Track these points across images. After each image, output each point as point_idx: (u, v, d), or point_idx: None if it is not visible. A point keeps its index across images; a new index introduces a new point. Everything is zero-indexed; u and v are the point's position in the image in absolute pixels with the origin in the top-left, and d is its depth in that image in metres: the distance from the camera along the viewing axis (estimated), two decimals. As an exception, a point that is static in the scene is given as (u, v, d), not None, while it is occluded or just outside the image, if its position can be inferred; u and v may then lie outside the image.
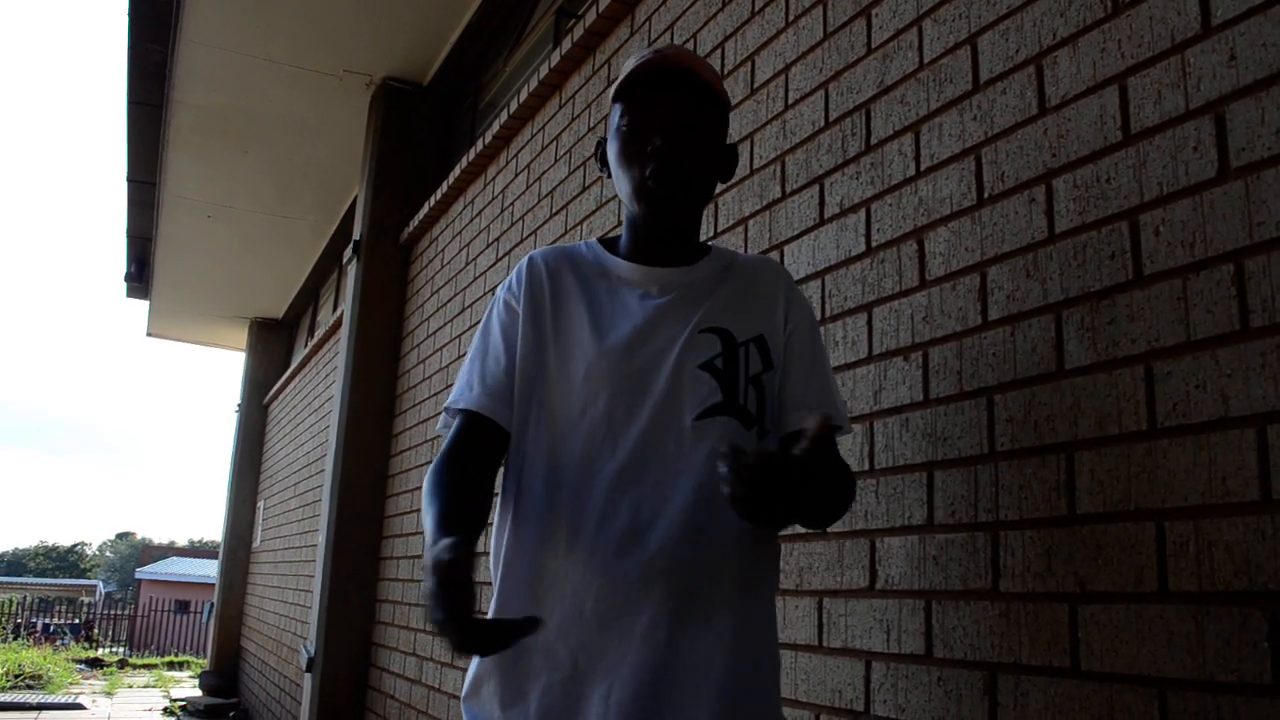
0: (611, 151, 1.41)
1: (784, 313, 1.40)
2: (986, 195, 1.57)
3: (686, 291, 1.38)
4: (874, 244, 1.80)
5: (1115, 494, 1.28)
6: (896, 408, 1.68)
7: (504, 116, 3.88)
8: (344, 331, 5.46)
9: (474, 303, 4.11)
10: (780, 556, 1.43)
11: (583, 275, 1.42)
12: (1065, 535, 1.34)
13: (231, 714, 8.87)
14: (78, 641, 21.04)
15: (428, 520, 1.23)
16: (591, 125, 3.19)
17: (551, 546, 1.30)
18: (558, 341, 1.37)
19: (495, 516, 1.40)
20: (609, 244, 1.47)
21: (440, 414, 1.44)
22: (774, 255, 2.08)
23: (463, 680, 1.35)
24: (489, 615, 1.35)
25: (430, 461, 4.31)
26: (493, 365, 1.38)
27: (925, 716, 1.52)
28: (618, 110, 1.40)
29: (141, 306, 10.15)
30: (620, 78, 1.38)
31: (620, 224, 2.84)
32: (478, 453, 1.35)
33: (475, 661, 1.32)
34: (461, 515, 1.25)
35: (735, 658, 1.25)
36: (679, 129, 1.34)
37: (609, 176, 1.44)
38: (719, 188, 2.31)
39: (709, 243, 1.50)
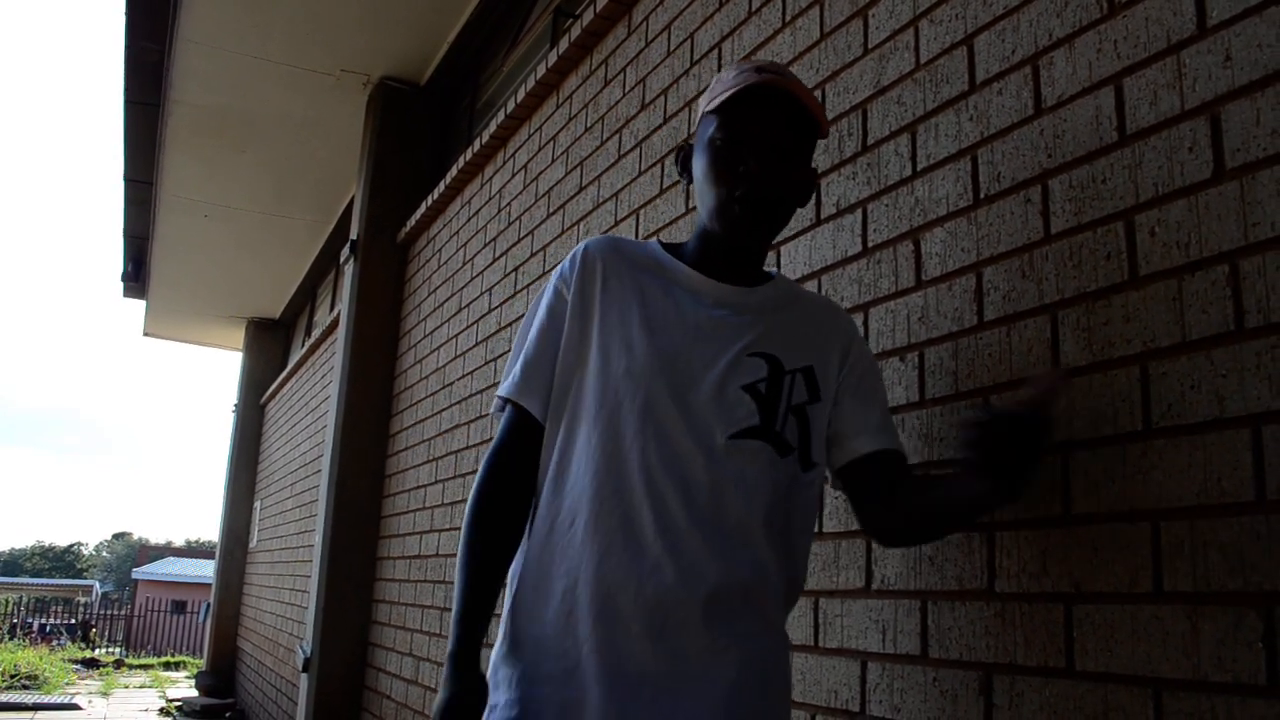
0: (700, 164, 1.38)
1: (841, 350, 1.41)
2: (983, 196, 1.57)
3: (744, 310, 1.38)
4: (870, 244, 1.80)
5: (1110, 494, 1.28)
6: (893, 408, 1.68)
7: (501, 116, 3.88)
8: (341, 331, 5.45)
9: (471, 302, 4.11)
10: (803, 581, 1.42)
11: (638, 268, 1.40)
12: (1061, 536, 1.34)
13: (228, 714, 8.87)
14: (74, 642, 21.00)
15: (463, 580, 1.29)
16: (588, 125, 3.19)
17: (562, 534, 1.29)
18: (603, 329, 1.35)
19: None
20: (671, 249, 1.45)
21: (485, 403, 1.45)
22: (771, 255, 2.08)
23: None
24: (507, 602, 1.35)
25: (430, 461, 4.31)
26: (533, 353, 1.39)
27: (921, 717, 1.52)
28: (713, 123, 1.35)
29: (138, 306, 10.15)
30: (724, 91, 1.34)
31: (617, 221, 2.83)
32: (527, 462, 1.36)
33: (498, 648, 1.33)
34: (490, 599, 1.30)
35: (744, 672, 1.25)
36: (773, 153, 1.33)
37: (689, 183, 1.43)
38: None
39: (773, 271, 1.49)
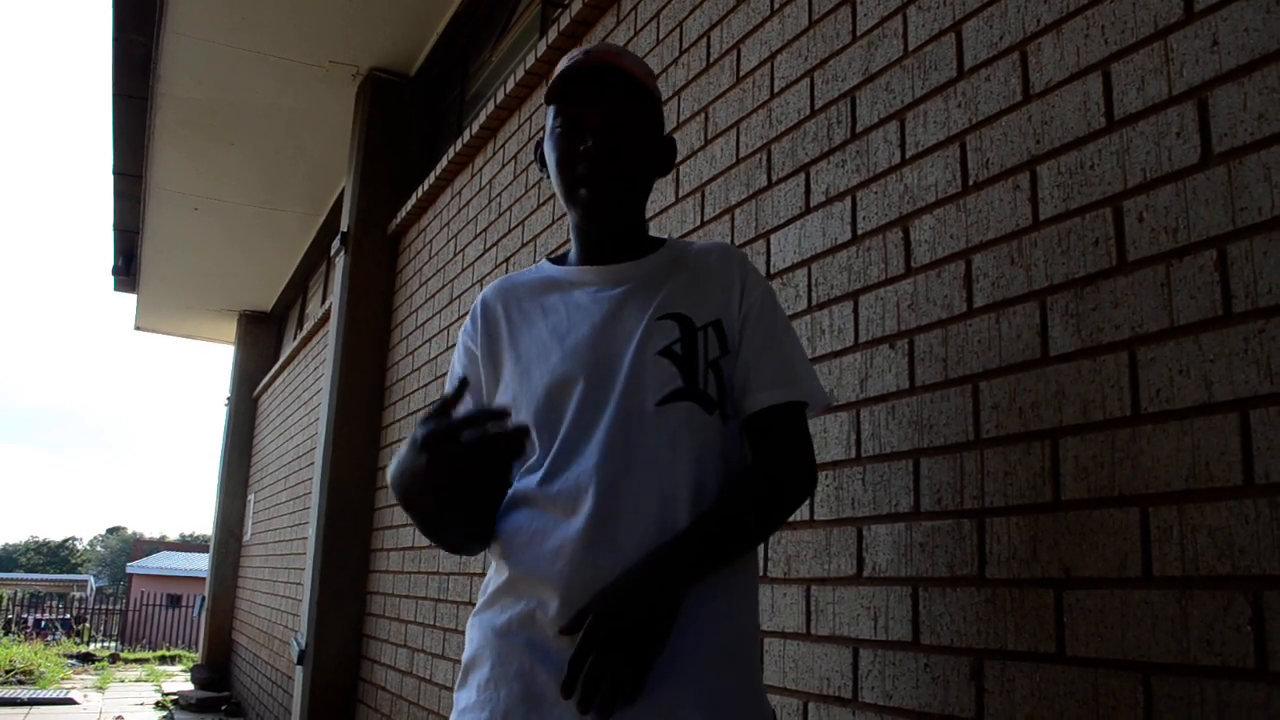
0: (547, 155, 1.41)
1: (739, 295, 1.39)
2: (971, 183, 1.57)
3: (642, 282, 1.38)
4: (860, 232, 1.80)
5: (1099, 480, 1.28)
6: (883, 395, 1.69)
7: (491, 107, 3.87)
8: (332, 324, 5.44)
9: (462, 294, 4.10)
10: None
11: (533, 293, 1.43)
12: (1050, 521, 1.34)
13: (223, 707, 8.87)
14: (69, 636, 20.98)
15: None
16: (578, 115, 3.18)
17: (524, 539, 1.29)
18: (517, 359, 1.37)
19: None
20: (559, 260, 1.48)
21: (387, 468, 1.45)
22: (760, 244, 2.08)
23: (453, 672, 1.35)
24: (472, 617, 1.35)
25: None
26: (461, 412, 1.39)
27: (913, 703, 1.52)
28: (550, 113, 1.40)
29: (130, 300, 10.12)
30: (550, 80, 1.37)
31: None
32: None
33: (466, 651, 1.33)
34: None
35: (707, 643, 1.24)
36: (609, 128, 1.35)
37: (549, 179, 1.44)
38: (703, 179, 2.32)
39: (666, 237, 1.50)
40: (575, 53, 1.37)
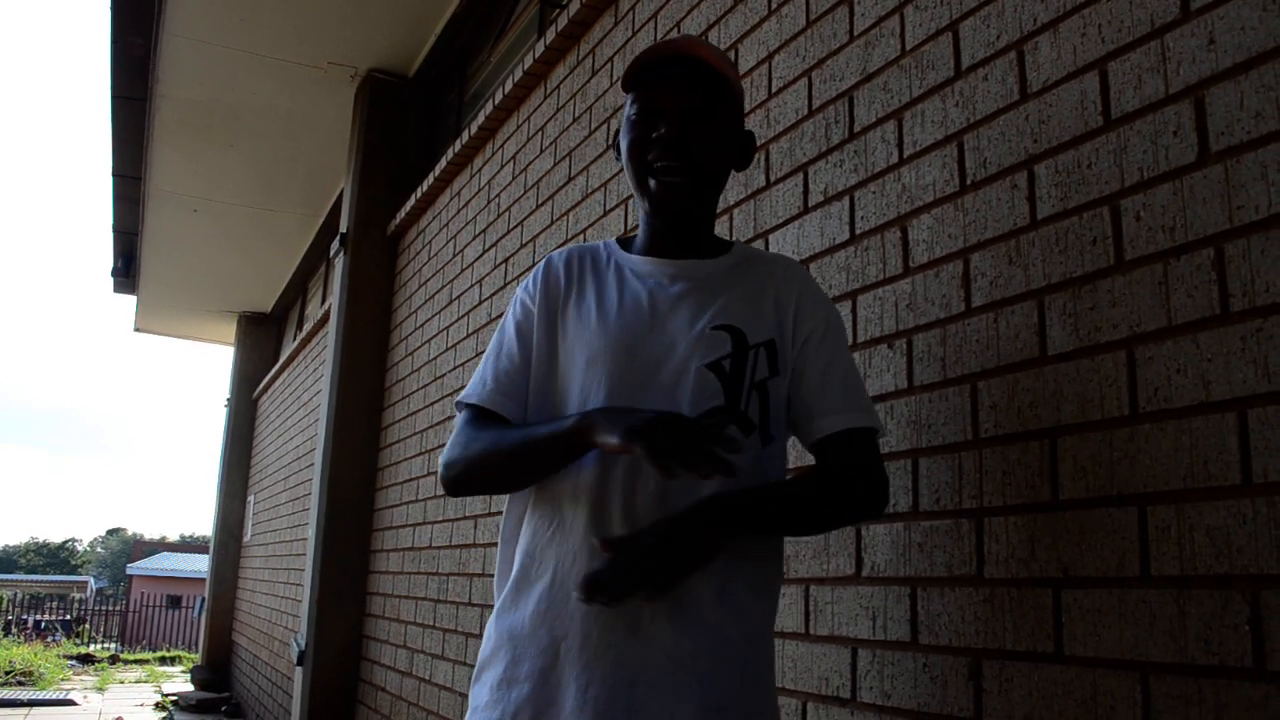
0: (622, 143, 1.40)
1: (794, 316, 1.37)
2: (969, 182, 1.57)
3: (701, 284, 1.37)
4: (858, 232, 1.80)
5: (1098, 479, 1.28)
6: (881, 395, 1.68)
7: (489, 108, 3.87)
8: (332, 325, 5.44)
9: (461, 294, 4.10)
10: (781, 557, 1.42)
11: (597, 269, 1.42)
12: (1048, 521, 1.34)
13: (224, 708, 8.87)
14: (69, 638, 20.98)
15: (525, 435, 1.29)
16: (576, 115, 3.18)
17: (543, 532, 1.30)
18: (568, 332, 1.37)
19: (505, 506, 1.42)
20: (626, 243, 1.47)
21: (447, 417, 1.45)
22: (759, 244, 2.08)
23: (453, 672, 1.35)
24: (496, 605, 1.36)
25: (423, 453, 4.30)
26: (505, 363, 1.39)
27: (911, 703, 1.52)
28: (628, 100, 1.39)
29: (129, 301, 10.12)
30: (631, 66, 1.36)
31: (606, 212, 2.83)
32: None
33: (482, 650, 1.33)
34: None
35: (723, 657, 1.24)
36: (685, 116, 1.33)
37: (623, 166, 1.44)
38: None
39: (733, 241, 1.48)
40: (656, 42, 1.36)
